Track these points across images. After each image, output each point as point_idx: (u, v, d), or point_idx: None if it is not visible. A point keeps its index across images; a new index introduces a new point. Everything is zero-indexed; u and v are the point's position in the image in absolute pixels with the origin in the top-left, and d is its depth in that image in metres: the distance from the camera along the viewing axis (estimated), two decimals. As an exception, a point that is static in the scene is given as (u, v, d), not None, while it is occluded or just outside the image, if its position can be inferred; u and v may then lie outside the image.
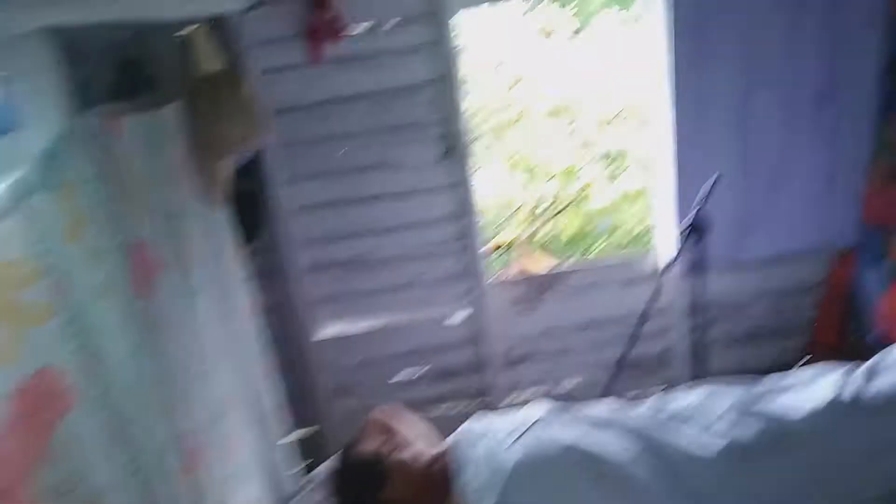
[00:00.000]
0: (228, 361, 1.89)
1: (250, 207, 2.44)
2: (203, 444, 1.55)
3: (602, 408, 1.80)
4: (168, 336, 1.37)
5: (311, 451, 3.04)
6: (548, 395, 3.08)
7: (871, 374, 1.56)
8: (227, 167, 1.89)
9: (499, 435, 1.68)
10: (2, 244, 0.81)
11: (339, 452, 1.79)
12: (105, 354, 1.06)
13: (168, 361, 1.35)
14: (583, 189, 4.51)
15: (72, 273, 0.97)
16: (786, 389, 1.76)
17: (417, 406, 3.13)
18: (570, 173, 4.50)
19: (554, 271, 3.15)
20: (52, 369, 0.94)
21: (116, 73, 1.79)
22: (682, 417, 1.70)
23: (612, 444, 1.61)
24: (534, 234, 5.16)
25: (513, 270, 5.44)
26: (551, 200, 4.79)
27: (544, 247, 5.95)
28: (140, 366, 1.15)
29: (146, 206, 1.31)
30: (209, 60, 1.96)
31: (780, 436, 1.55)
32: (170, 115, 1.60)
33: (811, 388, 1.68)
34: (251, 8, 2.31)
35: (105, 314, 1.05)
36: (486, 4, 2.79)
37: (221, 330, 1.86)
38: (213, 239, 1.83)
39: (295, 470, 2.29)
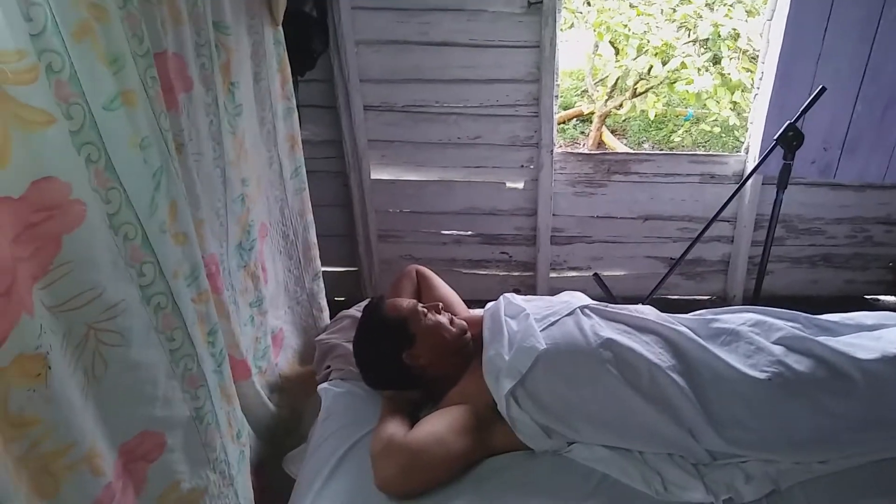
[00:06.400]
0: (264, 189, 1.82)
1: (308, 33, 2.27)
2: (227, 270, 1.52)
3: (642, 310, 1.70)
4: (197, 158, 1.30)
5: (346, 289, 3.08)
6: (593, 278, 2.99)
7: None
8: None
9: (533, 317, 1.60)
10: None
11: (371, 302, 1.74)
12: (121, 171, 0.98)
13: (193, 184, 1.28)
14: (675, 70, 4.12)
15: (80, 78, 0.87)
16: (845, 330, 1.69)
17: (458, 266, 3.10)
18: (664, 51, 4.11)
19: (627, 154, 2.96)
20: (54, 180, 0.86)
21: None
22: (727, 339, 1.60)
23: (646, 350, 1.53)
24: (613, 110, 4.85)
25: (584, 145, 5.21)
26: (638, 77, 4.43)
27: (621, 125, 5.63)
28: (160, 186, 1.07)
29: (182, 14, 1.18)
30: None
31: (839, 377, 1.47)
32: None
33: (878, 335, 1.61)
34: None
35: (121, 127, 0.96)
36: None
37: (260, 157, 1.78)
38: (261, 60, 1.70)
39: (325, 304, 2.28)
